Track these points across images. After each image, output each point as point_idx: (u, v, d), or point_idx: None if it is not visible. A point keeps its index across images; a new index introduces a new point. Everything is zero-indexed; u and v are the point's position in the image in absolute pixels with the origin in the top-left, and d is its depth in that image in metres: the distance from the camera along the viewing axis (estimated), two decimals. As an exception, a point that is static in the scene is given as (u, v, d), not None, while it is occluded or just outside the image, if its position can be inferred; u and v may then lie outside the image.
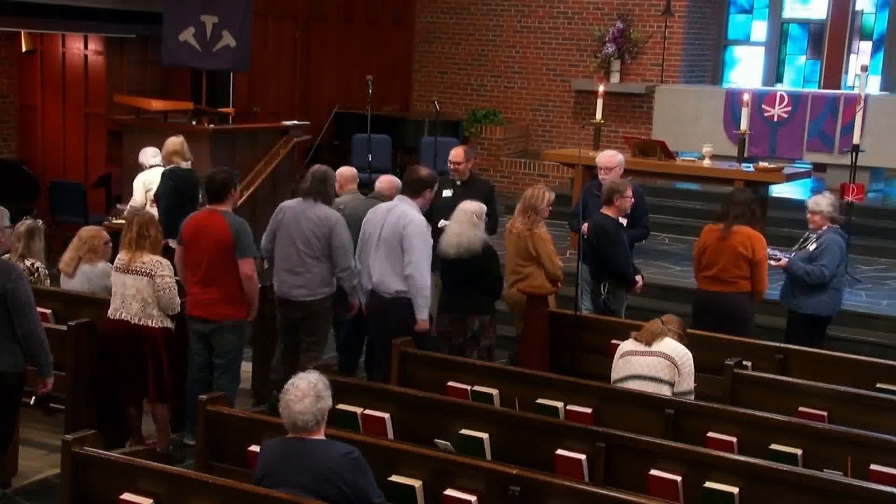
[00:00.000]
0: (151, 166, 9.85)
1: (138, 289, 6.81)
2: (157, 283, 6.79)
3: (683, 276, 10.28)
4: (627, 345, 6.68)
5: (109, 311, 6.92)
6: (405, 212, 7.29)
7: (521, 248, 8.14)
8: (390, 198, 8.40)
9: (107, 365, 6.93)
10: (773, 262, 8.13)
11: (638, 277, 8.41)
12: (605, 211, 8.31)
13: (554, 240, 8.46)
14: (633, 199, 8.40)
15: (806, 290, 8.08)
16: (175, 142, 9.34)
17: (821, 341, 8.14)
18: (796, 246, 8.36)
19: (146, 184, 9.67)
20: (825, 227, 8.13)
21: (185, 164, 9.30)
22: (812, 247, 8.09)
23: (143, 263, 6.83)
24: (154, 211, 9.07)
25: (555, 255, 8.23)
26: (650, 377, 6.46)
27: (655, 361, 6.49)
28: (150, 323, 6.84)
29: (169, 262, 6.98)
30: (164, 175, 9.20)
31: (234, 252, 7.10)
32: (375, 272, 7.34)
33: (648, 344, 6.52)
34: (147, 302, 6.82)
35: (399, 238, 7.22)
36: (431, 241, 7.39)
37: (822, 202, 8.14)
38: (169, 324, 6.95)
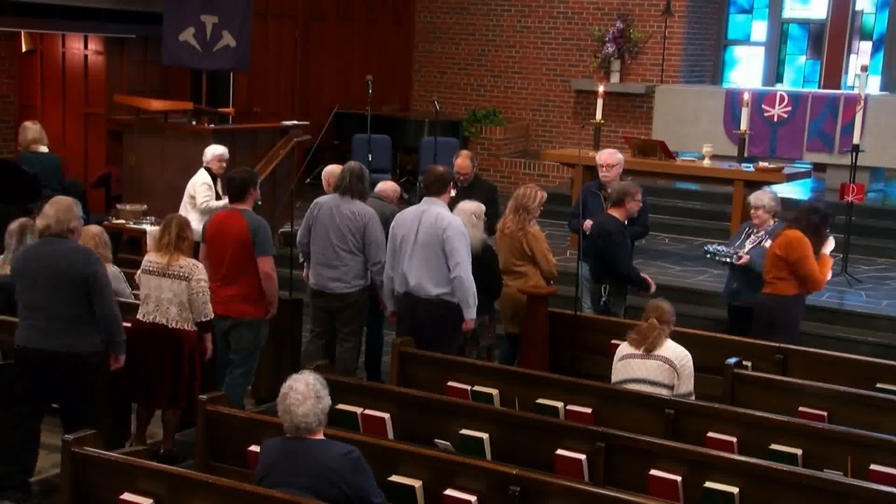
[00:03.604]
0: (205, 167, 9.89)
1: (175, 293, 6.83)
2: (192, 286, 6.81)
3: (683, 275, 10.29)
4: (625, 348, 6.68)
5: (140, 314, 6.91)
6: (441, 214, 7.23)
7: (515, 247, 8.14)
8: (392, 199, 8.48)
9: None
10: (730, 260, 8.25)
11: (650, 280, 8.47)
12: (613, 212, 8.31)
13: (549, 240, 8.46)
14: (641, 204, 8.45)
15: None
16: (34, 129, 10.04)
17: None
18: (738, 242, 8.45)
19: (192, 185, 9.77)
20: (772, 223, 8.29)
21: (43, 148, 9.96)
22: (768, 243, 8.17)
23: (182, 267, 6.83)
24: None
25: (549, 254, 8.23)
26: (649, 381, 6.47)
27: (655, 365, 6.50)
28: (186, 326, 6.87)
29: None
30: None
31: (254, 251, 7.16)
32: (412, 277, 7.25)
33: (648, 350, 6.52)
34: (184, 306, 6.84)
35: (440, 242, 7.14)
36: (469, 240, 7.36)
37: (765, 197, 8.34)
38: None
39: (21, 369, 6.36)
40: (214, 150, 9.87)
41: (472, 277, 7.20)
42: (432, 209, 7.28)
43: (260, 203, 8.28)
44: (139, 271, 7.05)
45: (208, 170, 9.81)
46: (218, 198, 9.66)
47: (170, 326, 6.83)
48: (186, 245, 6.91)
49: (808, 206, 8.17)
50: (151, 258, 6.96)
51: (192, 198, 9.75)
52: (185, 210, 9.55)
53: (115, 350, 6.45)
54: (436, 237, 7.16)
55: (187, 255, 6.90)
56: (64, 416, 6.38)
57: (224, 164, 9.81)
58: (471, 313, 7.24)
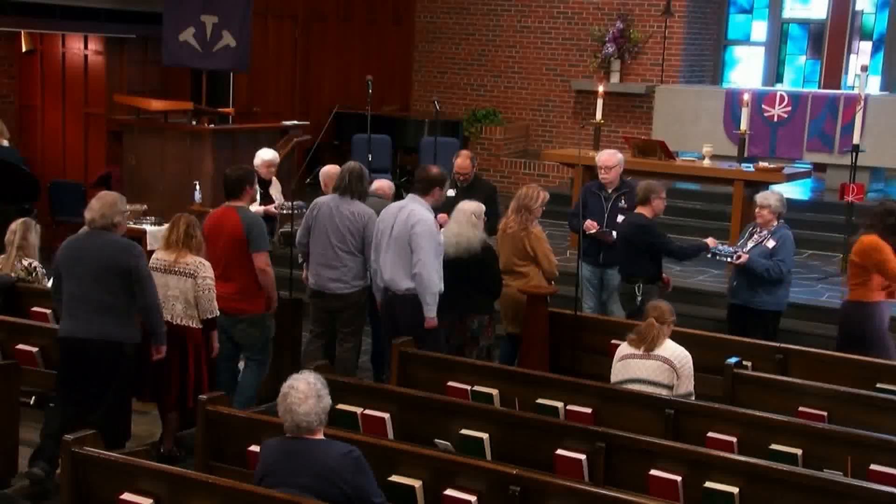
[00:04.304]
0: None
1: (182, 290, 6.87)
2: (199, 283, 6.85)
3: (683, 275, 10.28)
4: (625, 348, 6.68)
5: None
6: (414, 211, 7.34)
7: (517, 248, 8.15)
8: (389, 196, 8.57)
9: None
10: (730, 259, 8.27)
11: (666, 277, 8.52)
12: (641, 210, 8.31)
13: (549, 240, 8.46)
14: (666, 202, 8.48)
15: (766, 287, 8.17)
16: None
17: (776, 335, 8.26)
18: (740, 242, 8.47)
19: None
20: (776, 224, 8.29)
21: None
22: (770, 244, 8.19)
23: (188, 264, 6.87)
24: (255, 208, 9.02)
25: (551, 254, 8.24)
26: (649, 381, 6.48)
27: (655, 365, 6.50)
28: (191, 324, 6.91)
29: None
30: None
31: (248, 247, 7.21)
32: (387, 271, 7.41)
33: (648, 350, 6.53)
34: (189, 303, 6.88)
35: (408, 237, 7.25)
36: (441, 239, 7.41)
37: (771, 197, 8.35)
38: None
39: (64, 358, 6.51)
40: (263, 156, 9.67)
41: (433, 275, 7.23)
42: (409, 205, 7.40)
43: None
44: None
45: (257, 174, 9.68)
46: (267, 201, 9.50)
47: (174, 323, 6.86)
48: (195, 243, 6.95)
49: (882, 208, 8.05)
50: (158, 255, 7.01)
51: None
52: None
53: (155, 341, 6.59)
54: (405, 232, 7.26)
55: (195, 253, 6.93)
56: (95, 409, 6.43)
57: (273, 170, 9.63)
58: (430, 311, 7.26)
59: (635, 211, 8.38)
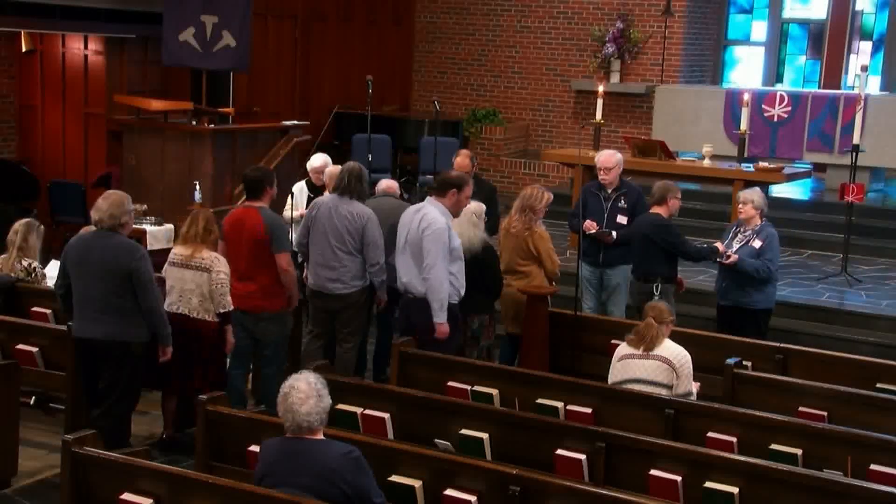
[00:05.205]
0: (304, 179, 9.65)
1: (198, 284, 6.98)
2: (213, 277, 6.95)
3: (683, 275, 10.24)
4: (624, 348, 6.68)
5: (165, 305, 6.97)
6: (427, 214, 7.27)
7: (520, 247, 8.14)
8: (398, 194, 8.63)
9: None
10: (720, 260, 8.27)
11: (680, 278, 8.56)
12: (658, 210, 8.32)
13: (553, 239, 8.47)
14: (680, 202, 8.52)
15: (756, 286, 8.18)
16: None
17: (768, 333, 8.27)
18: (726, 241, 8.45)
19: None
20: (759, 222, 8.31)
21: None
22: (757, 243, 8.21)
23: (203, 259, 6.98)
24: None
25: (554, 254, 8.24)
26: (648, 381, 6.47)
27: (654, 365, 6.50)
28: (207, 317, 7.01)
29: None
30: None
31: (270, 247, 7.29)
32: (404, 274, 7.37)
33: (648, 349, 6.52)
34: (205, 297, 6.99)
35: (420, 241, 7.21)
36: (454, 243, 7.28)
37: (754, 194, 8.37)
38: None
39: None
40: (313, 162, 9.60)
41: (443, 281, 7.14)
42: (424, 209, 7.36)
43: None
44: (166, 264, 7.20)
45: (308, 181, 9.64)
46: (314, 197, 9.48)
47: (191, 316, 6.96)
48: (212, 238, 7.06)
49: None
50: (176, 251, 7.12)
51: None
52: None
53: (161, 342, 6.66)
54: (418, 236, 7.23)
55: (211, 249, 7.03)
56: (102, 406, 6.52)
57: (321, 176, 9.54)
58: (439, 317, 7.16)
59: (651, 210, 8.39)
